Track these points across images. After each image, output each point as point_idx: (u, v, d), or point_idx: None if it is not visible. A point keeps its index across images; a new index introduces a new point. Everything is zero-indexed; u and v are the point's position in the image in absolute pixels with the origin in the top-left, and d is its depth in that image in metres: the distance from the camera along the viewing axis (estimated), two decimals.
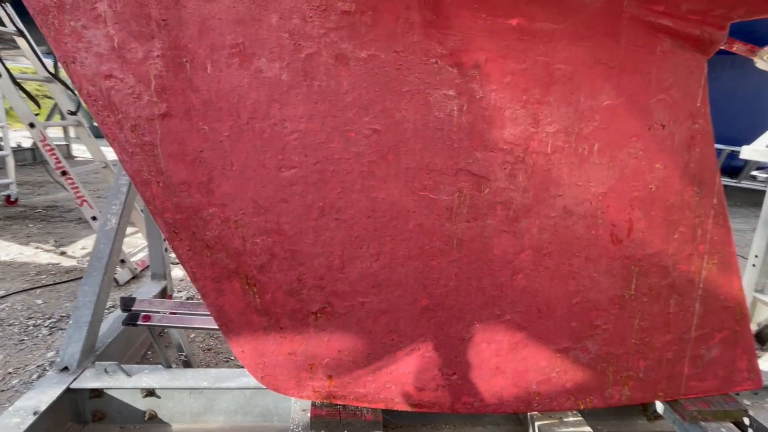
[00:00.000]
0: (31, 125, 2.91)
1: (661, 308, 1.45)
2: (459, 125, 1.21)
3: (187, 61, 1.12)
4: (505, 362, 1.37)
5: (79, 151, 9.31)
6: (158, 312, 1.55)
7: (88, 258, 3.58)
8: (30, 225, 4.37)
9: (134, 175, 1.20)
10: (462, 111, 1.20)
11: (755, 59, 1.31)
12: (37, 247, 3.76)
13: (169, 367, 1.71)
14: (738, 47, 1.30)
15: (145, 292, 2.46)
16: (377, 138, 1.19)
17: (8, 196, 5.10)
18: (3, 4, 3.12)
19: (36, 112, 3.00)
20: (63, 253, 3.66)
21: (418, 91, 1.17)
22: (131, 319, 1.50)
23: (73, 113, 3.32)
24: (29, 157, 8.22)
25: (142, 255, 3.53)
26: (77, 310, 1.81)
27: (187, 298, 2.87)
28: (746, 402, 1.70)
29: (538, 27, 1.17)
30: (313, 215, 1.23)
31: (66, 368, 1.69)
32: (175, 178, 1.20)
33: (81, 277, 3.17)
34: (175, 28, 1.10)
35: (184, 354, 1.79)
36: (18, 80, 2.94)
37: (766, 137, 2.94)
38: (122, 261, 3.20)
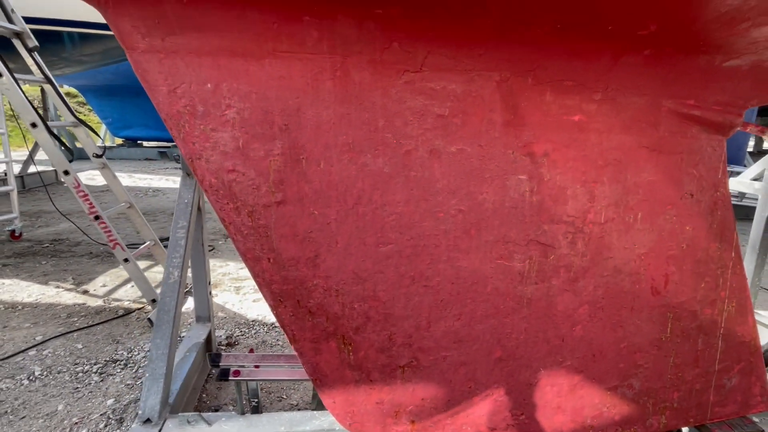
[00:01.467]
0: (66, 173, 2.99)
1: (691, 347, 1.68)
2: (530, 203, 1.41)
3: (303, 158, 1.30)
4: (565, 402, 1.57)
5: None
6: (244, 366, 1.69)
7: (113, 297, 3.64)
8: (43, 262, 4.38)
9: (246, 253, 1.36)
10: (533, 191, 1.41)
11: (765, 138, 1.56)
12: (58, 286, 3.79)
13: (244, 413, 1.84)
14: (751, 128, 1.56)
15: (194, 335, 2.57)
16: (462, 217, 1.38)
17: (12, 231, 5.08)
18: (32, 54, 3.20)
19: (70, 160, 3.08)
20: (85, 292, 3.70)
21: (497, 176, 1.38)
22: (223, 375, 1.64)
23: (98, 156, 3.41)
24: (18, 185, 8.09)
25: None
26: (152, 362, 1.93)
27: (227, 337, 2.98)
28: (755, 419, 1.94)
29: (596, 121, 1.39)
30: (405, 283, 1.41)
31: (148, 420, 1.80)
32: (285, 255, 1.36)
33: (112, 318, 3.24)
34: (294, 130, 1.28)
35: (255, 399, 1.92)
36: (50, 127, 3.02)
37: (753, 169, 3.26)
38: (153, 300, 3.28)
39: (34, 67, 3.29)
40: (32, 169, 8.54)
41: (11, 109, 3.25)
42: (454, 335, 1.47)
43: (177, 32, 1.18)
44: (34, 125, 2.93)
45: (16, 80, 2.91)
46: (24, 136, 4.17)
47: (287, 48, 1.20)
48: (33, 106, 2.94)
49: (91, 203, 3.06)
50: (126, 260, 3.16)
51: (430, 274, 1.42)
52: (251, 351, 1.82)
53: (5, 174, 5.13)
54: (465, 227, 1.39)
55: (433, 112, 1.30)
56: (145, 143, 14.47)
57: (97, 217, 3.09)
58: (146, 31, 1.18)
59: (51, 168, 9.03)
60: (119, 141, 14.80)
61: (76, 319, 3.21)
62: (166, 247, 4.36)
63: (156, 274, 4.10)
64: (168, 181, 9.73)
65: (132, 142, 14.14)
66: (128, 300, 3.58)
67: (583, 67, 1.30)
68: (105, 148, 3.49)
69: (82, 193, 3.04)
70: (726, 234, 1.63)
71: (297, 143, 1.28)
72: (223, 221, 1.34)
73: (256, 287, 3.80)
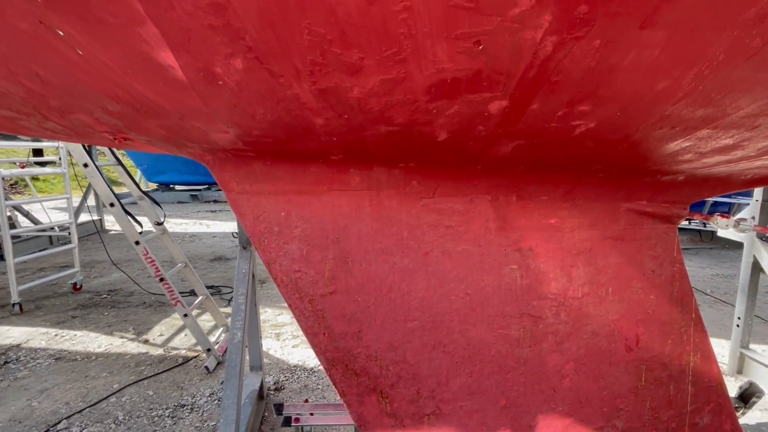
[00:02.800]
0: (137, 243, 3.55)
1: (665, 392, 2.05)
2: (521, 285, 1.85)
3: (349, 260, 1.77)
4: None
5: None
6: (302, 414, 2.13)
7: (171, 345, 4.14)
8: (105, 313, 4.94)
9: (306, 329, 1.82)
10: (522, 277, 1.84)
11: (714, 226, 1.97)
12: (122, 337, 4.32)
13: None
14: (697, 218, 1.97)
15: (250, 382, 3.03)
16: (469, 299, 1.82)
17: (75, 284, 5.69)
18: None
19: (140, 231, 3.64)
20: (146, 341, 4.21)
21: (494, 267, 1.82)
22: (287, 422, 2.08)
23: (159, 224, 3.97)
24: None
25: (215, 338, 4.10)
26: (225, 410, 2.39)
27: (275, 382, 3.43)
28: None
29: (568, 222, 1.83)
30: (427, 350, 1.85)
31: None
32: (336, 330, 1.82)
33: (174, 367, 3.73)
34: (343, 241, 1.75)
35: None
36: (121, 202, 3.60)
37: (744, 213, 3.61)
38: (208, 350, 3.77)
39: (108, 152, 3.91)
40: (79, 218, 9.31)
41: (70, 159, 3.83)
42: (467, 389, 1.89)
43: (261, 180, 1.69)
44: (112, 205, 3.51)
45: (99, 169, 3.52)
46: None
47: (338, 187, 1.69)
48: (112, 190, 3.53)
49: (157, 268, 3.59)
50: (185, 315, 3.67)
51: (447, 342, 1.85)
52: (306, 401, 2.26)
53: (69, 232, 5.79)
54: (471, 306, 1.83)
55: (443, 224, 1.76)
56: (177, 187, 15.35)
57: (161, 279, 3.62)
58: (239, 180, 1.69)
59: (97, 217, 9.81)
60: (153, 186, 15.73)
61: (143, 367, 3.71)
62: (212, 294, 4.87)
63: (205, 322, 4.60)
64: (201, 225, 10.40)
65: (165, 186, 15.03)
66: (185, 348, 4.07)
67: (552, 188, 1.76)
68: (165, 215, 4.06)
69: (150, 260, 3.58)
70: (685, 299, 2.02)
71: (344, 250, 1.76)
72: (290, 307, 1.81)
73: (294, 333, 4.27)
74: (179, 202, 14.32)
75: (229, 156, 1.66)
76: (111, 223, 10.17)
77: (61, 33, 0.97)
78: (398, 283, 1.80)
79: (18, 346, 4.12)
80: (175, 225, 10.48)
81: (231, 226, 10.10)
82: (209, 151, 1.66)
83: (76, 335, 4.34)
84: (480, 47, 0.88)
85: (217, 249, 8.02)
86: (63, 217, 10.48)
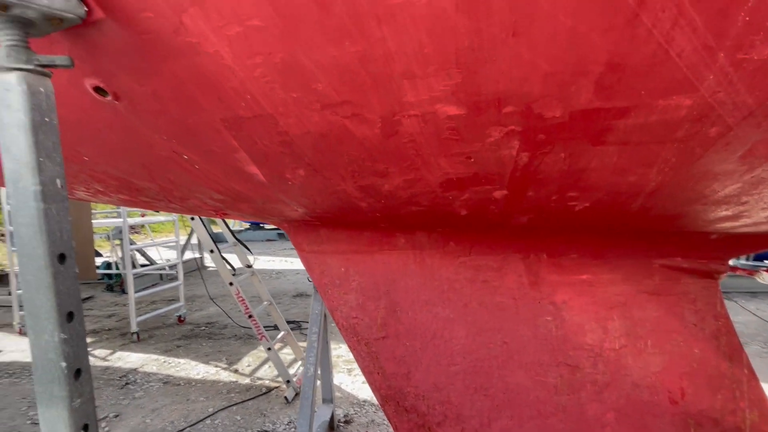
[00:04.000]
0: (231, 284, 4.12)
1: None
2: (556, 336, 2.00)
3: (398, 309, 2.06)
4: None
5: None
6: None
7: (256, 375, 4.64)
8: (203, 344, 5.63)
9: (363, 368, 2.12)
10: (557, 328, 2.00)
11: (761, 281, 1.99)
12: (216, 366, 4.91)
13: None
14: (740, 273, 2.00)
15: (321, 413, 3.36)
16: (507, 347, 2.02)
17: (179, 317, 6.52)
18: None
19: (233, 273, 4.23)
20: (236, 371, 4.76)
21: (530, 318, 2.00)
22: None
23: (249, 266, 4.56)
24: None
25: (294, 371, 4.52)
26: None
27: (344, 415, 3.73)
28: None
29: (599, 278, 1.97)
30: (470, 392, 2.05)
31: None
32: (388, 371, 2.10)
33: (258, 395, 4.19)
34: (392, 293, 2.05)
35: None
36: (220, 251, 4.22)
37: None
38: (288, 381, 4.18)
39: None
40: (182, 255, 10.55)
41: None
42: (509, 431, 2.05)
43: (325, 242, 2.06)
44: (212, 251, 4.14)
45: (201, 220, 4.19)
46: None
47: (387, 248, 2.01)
48: (212, 237, 4.17)
49: (246, 306, 4.13)
50: (269, 349, 4.14)
51: (488, 386, 2.04)
52: None
53: (176, 271, 6.70)
54: (509, 354, 2.02)
55: (479, 279, 2.00)
56: (266, 226, 16.74)
57: (250, 316, 4.15)
58: (309, 242, 2.08)
59: (198, 256, 11.07)
60: (246, 225, 17.30)
61: (233, 394, 4.21)
62: (292, 329, 5.34)
63: (286, 355, 5.07)
64: (286, 262, 11.26)
65: (256, 225, 16.46)
66: (268, 379, 4.54)
67: (580, 247, 1.93)
68: (254, 259, 4.66)
69: (240, 299, 4.13)
70: (735, 355, 2.03)
71: (394, 301, 2.06)
72: (350, 348, 2.12)
73: None
74: (267, 240, 15.57)
75: (300, 224, 2.07)
76: (209, 261, 11.37)
77: (186, 157, 1.42)
78: (441, 330, 2.04)
79: (135, 370, 4.86)
80: (263, 262, 11.45)
81: None
82: (285, 221, 2.07)
83: (179, 363, 5.02)
84: (472, 160, 1.17)
85: (299, 285, 8.67)
86: (170, 255, 11.90)
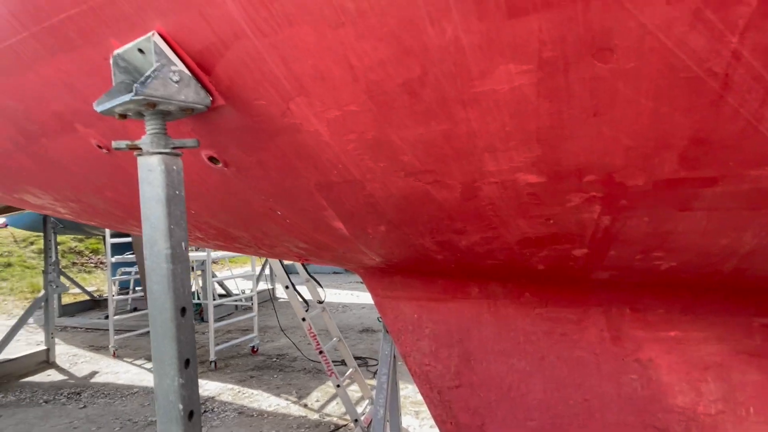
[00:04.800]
0: (303, 319, 4.29)
1: None
2: (643, 396, 1.89)
3: (472, 359, 2.05)
4: None
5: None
6: None
7: (325, 411, 4.72)
8: (274, 375, 5.83)
9: (436, 417, 2.11)
10: (643, 387, 1.89)
11: None
12: (287, 399, 5.06)
13: None
14: None
15: None
16: (588, 404, 1.93)
17: (253, 347, 6.83)
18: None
19: (306, 309, 4.41)
20: (305, 405, 4.87)
21: (613, 375, 1.91)
22: None
23: (320, 302, 4.73)
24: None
25: (362, 410, 4.54)
26: None
27: None
28: None
29: (690, 335, 1.85)
30: None
31: None
32: (461, 421, 2.08)
33: None
34: (465, 342, 2.06)
35: None
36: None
37: None
38: (356, 420, 4.21)
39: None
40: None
41: None
42: None
43: (399, 288, 2.13)
44: (287, 287, 4.36)
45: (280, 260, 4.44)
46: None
47: (461, 296, 2.03)
48: (289, 277, 4.40)
49: (317, 342, 4.26)
50: (338, 386, 4.21)
51: None
52: None
53: (252, 303, 7.07)
54: (590, 411, 1.93)
55: (557, 332, 1.96)
56: None
57: (320, 352, 4.27)
58: (383, 288, 2.16)
59: (270, 287, 11.58)
60: None
61: (302, 430, 4.31)
62: (359, 365, 5.39)
63: (354, 392, 5.11)
64: (352, 295, 11.45)
65: None
66: (336, 416, 4.60)
67: (668, 302, 1.83)
68: (325, 296, 4.83)
69: (312, 334, 4.28)
70: None
71: (467, 350, 2.06)
72: (422, 395, 2.14)
73: None
74: (334, 273, 15.94)
75: (376, 270, 2.16)
76: (280, 292, 11.84)
77: (279, 213, 1.57)
78: (517, 383, 2.00)
79: (212, 398, 5.13)
80: (329, 295, 11.72)
81: None
82: (361, 267, 2.17)
83: (253, 393, 5.23)
84: (551, 221, 1.20)
85: (365, 320, 8.76)
86: (244, 284, 12.54)
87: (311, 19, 0.86)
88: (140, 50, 1.07)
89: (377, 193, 1.27)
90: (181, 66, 1.04)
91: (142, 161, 1.06)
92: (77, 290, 11.65)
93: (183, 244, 1.09)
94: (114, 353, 7.10)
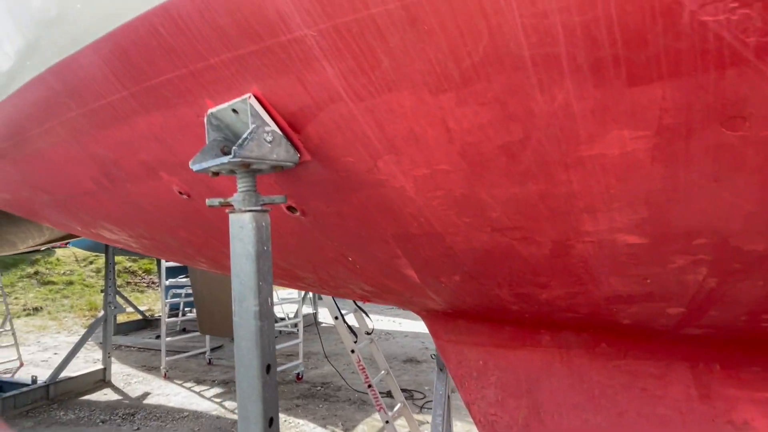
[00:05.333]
0: (352, 351, 4.26)
1: None
2: None
3: (541, 411, 1.94)
4: None
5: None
6: None
7: None
8: (320, 405, 5.80)
9: None
10: None
11: None
12: (333, 431, 5.00)
13: None
14: None
15: None
16: None
17: (298, 374, 6.83)
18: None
19: (354, 341, 4.38)
20: None
21: None
22: None
23: (368, 333, 4.69)
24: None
25: None
26: None
27: None
28: None
29: None
30: None
31: None
32: None
33: None
34: (535, 393, 1.96)
35: None
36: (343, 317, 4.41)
37: None
38: None
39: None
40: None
41: None
42: None
43: (463, 333, 2.07)
44: (336, 318, 4.35)
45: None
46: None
47: (530, 344, 1.94)
48: (337, 307, 4.40)
49: (366, 375, 4.20)
50: (387, 422, 4.12)
51: None
52: None
53: (297, 330, 7.12)
54: None
55: (637, 386, 1.82)
56: None
57: (369, 386, 4.21)
58: (446, 331, 2.10)
59: (314, 311, 11.65)
60: None
61: None
62: (405, 397, 5.26)
63: (401, 427, 4.98)
64: (395, 323, 11.33)
65: None
66: None
67: (766, 361, 1.67)
68: (373, 328, 4.79)
69: (361, 366, 4.23)
70: None
71: (537, 401, 1.95)
72: None
73: None
74: None
75: (439, 314, 2.11)
76: (323, 316, 11.88)
77: (350, 259, 1.57)
78: None
79: None
80: (373, 321, 11.65)
81: (420, 326, 10.75)
82: (424, 310, 2.13)
83: (299, 423, 5.20)
84: (648, 281, 1.12)
85: (408, 350, 8.62)
86: (287, 307, 12.67)
87: (411, 85, 0.86)
88: (234, 110, 1.11)
89: (457, 246, 1.24)
90: (273, 126, 1.07)
91: (234, 218, 1.08)
92: (130, 309, 12.16)
93: (269, 300, 1.09)
94: (165, 374, 7.30)
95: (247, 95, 1.05)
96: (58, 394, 6.49)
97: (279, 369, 6.54)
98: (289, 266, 1.92)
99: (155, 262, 16.32)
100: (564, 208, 0.97)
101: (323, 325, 11.29)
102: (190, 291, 9.63)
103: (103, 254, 13.94)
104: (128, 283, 16.96)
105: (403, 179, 1.08)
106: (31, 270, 15.72)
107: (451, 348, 2.11)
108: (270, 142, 1.05)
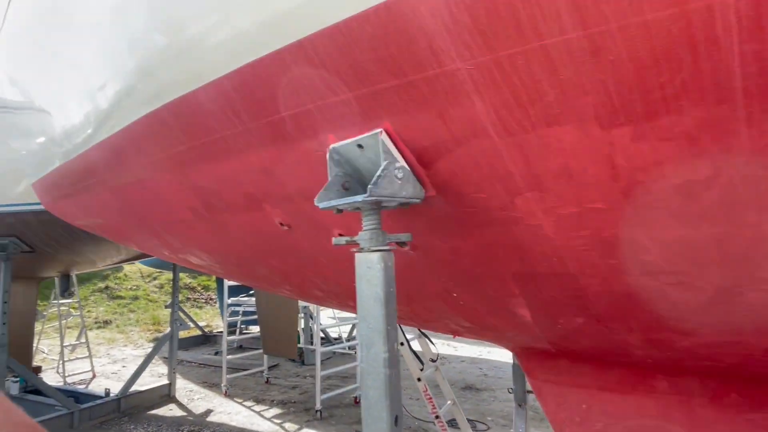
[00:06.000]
0: (419, 379, 4.13)
1: None
2: None
3: None
4: None
5: None
6: None
7: None
8: None
9: None
10: None
11: None
12: None
13: None
14: None
15: None
16: None
17: (355, 398, 6.74)
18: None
19: (420, 368, 4.25)
20: None
21: None
22: None
23: (433, 361, 4.54)
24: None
25: None
26: None
27: None
28: None
29: None
30: None
31: None
32: None
33: None
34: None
35: None
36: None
37: None
38: None
39: None
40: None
41: None
42: None
43: (563, 373, 1.91)
44: (402, 344, 4.25)
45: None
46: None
47: (642, 389, 1.77)
48: (403, 332, 4.30)
49: (434, 405, 4.06)
50: None
51: None
52: None
53: (355, 352, 7.05)
54: None
55: None
56: None
57: (437, 417, 4.05)
58: (543, 371, 1.96)
59: None
60: None
61: None
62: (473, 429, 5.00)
63: None
64: (450, 347, 11.03)
65: None
66: None
67: None
68: (438, 355, 4.65)
69: (428, 397, 4.09)
70: None
71: None
72: None
73: None
74: None
75: (537, 352, 1.97)
76: None
77: (455, 295, 1.49)
78: None
79: None
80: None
81: (476, 350, 10.40)
82: (520, 347, 2.00)
83: None
84: None
85: (466, 376, 8.34)
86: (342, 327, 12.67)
87: (578, 119, 0.78)
88: (359, 145, 1.07)
89: (591, 288, 1.13)
90: (403, 162, 1.02)
91: (361, 258, 1.03)
92: (192, 325, 12.61)
93: (396, 345, 1.03)
94: (225, 392, 7.43)
95: (377, 130, 1.01)
96: (129, 407, 6.75)
97: (336, 392, 6.49)
98: None
99: (214, 279, 16.94)
100: (744, 253, 0.85)
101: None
102: (247, 309, 9.89)
103: (165, 270, 14.56)
104: (188, 298, 17.68)
105: (542, 217, 0.99)
106: (102, 285, 16.76)
107: (549, 389, 1.96)
108: (400, 179, 1.00)
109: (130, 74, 1.60)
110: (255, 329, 12.12)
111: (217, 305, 16.11)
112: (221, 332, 11.25)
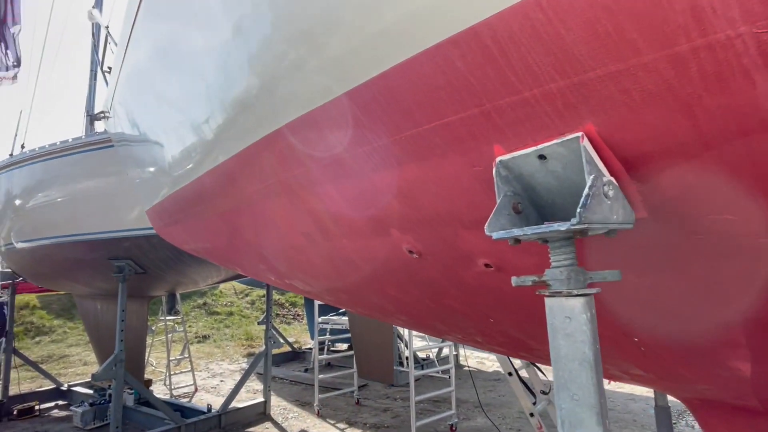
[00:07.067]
0: (531, 414, 3.72)
1: None
2: None
3: None
4: None
5: None
6: None
7: None
8: None
9: None
10: None
11: None
12: None
13: None
14: None
15: None
16: None
17: (451, 426, 6.38)
18: None
19: (533, 402, 3.84)
20: None
21: None
22: None
23: (545, 393, 4.10)
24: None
25: None
26: None
27: None
28: None
29: None
30: None
31: None
32: None
33: None
34: None
35: None
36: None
37: None
38: None
39: None
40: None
41: None
42: None
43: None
44: (510, 374, 3.88)
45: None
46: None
47: None
48: (510, 361, 3.93)
49: None
50: None
51: None
52: None
53: (449, 376, 6.72)
54: None
55: None
56: None
57: None
58: (733, 430, 1.55)
59: (455, 353, 11.12)
60: None
61: None
62: None
63: None
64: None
65: None
66: None
67: None
68: (550, 388, 4.19)
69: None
70: None
71: None
72: None
73: None
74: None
75: (719, 405, 1.56)
76: (463, 358, 11.29)
77: (635, 339, 1.18)
78: None
79: None
80: (487, 362, 10.69)
81: None
82: (697, 398, 1.61)
83: None
84: None
85: None
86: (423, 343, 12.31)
87: None
88: (541, 156, 0.83)
89: None
90: (609, 176, 0.76)
91: (555, 305, 0.78)
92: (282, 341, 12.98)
93: (606, 422, 0.76)
94: (318, 412, 7.42)
95: (576, 134, 0.77)
96: (228, 423, 6.96)
97: (432, 419, 6.18)
98: (519, 335, 1.59)
99: (301, 296, 17.44)
100: None
101: (465, 368, 10.70)
102: (334, 327, 9.94)
103: (255, 287, 15.18)
104: (277, 314, 18.37)
105: None
106: (200, 301, 17.96)
107: None
108: (610, 199, 0.75)
109: (237, 102, 1.52)
110: (343, 347, 12.18)
111: (305, 321, 16.54)
112: (310, 349, 11.41)
